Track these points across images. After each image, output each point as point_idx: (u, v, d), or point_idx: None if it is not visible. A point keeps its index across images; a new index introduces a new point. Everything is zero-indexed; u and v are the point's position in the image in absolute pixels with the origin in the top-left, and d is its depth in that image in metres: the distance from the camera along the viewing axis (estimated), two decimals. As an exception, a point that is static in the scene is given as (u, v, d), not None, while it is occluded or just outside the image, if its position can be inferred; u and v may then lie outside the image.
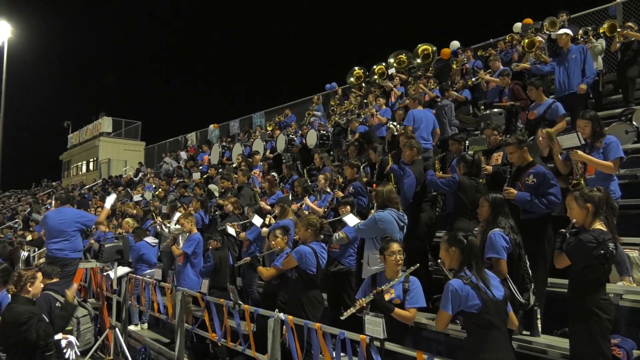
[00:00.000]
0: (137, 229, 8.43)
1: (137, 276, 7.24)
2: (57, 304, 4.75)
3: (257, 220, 6.45)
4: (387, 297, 3.66)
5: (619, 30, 7.75)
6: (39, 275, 4.36)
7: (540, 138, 5.10)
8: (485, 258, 3.63)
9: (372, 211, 5.43)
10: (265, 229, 6.24)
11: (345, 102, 12.78)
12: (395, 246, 3.82)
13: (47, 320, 4.47)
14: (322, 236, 4.97)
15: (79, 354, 4.39)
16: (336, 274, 5.37)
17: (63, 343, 4.26)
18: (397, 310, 3.56)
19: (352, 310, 3.62)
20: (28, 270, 4.40)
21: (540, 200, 4.20)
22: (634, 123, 6.40)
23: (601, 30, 7.93)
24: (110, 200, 7.50)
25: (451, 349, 4.47)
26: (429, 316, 4.74)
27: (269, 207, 7.17)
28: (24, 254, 10.47)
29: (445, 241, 3.31)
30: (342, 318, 3.70)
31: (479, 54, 11.11)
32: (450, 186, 5.22)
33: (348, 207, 5.41)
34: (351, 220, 5.15)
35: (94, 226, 8.97)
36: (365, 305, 3.59)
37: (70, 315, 4.49)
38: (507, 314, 3.14)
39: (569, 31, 7.26)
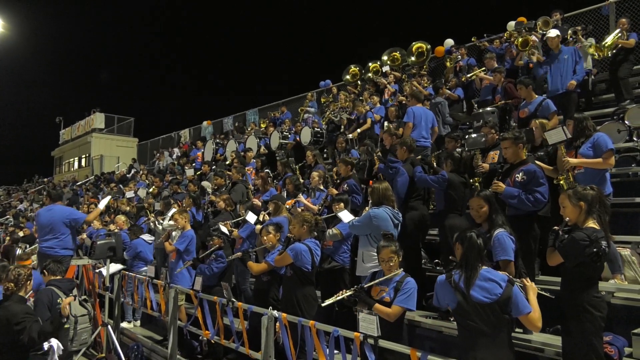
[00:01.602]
0: (133, 227, 8.38)
1: (130, 273, 7.20)
2: (58, 300, 4.74)
3: (251, 217, 6.42)
4: (380, 294, 3.66)
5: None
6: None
7: (534, 128, 5.32)
8: (495, 260, 3.53)
9: (367, 208, 5.42)
10: (258, 226, 6.22)
11: (340, 100, 12.76)
12: (385, 253, 3.70)
13: (49, 313, 4.45)
14: (315, 233, 4.96)
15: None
16: (330, 271, 5.33)
17: (45, 346, 4.21)
18: (377, 305, 3.53)
19: (333, 299, 3.62)
20: (24, 268, 4.37)
21: (526, 197, 4.20)
22: (626, 122, 6.45)
23: (606, 51, 7.83)
24: (104, 201, 7.51)
25: (444, 346, 4.49)
26: (423, 314, 4.76)
27: (260, 204, 7.15)
28: (19, 251, 10.39)
29: (454, 238, 3.30)
30: (322, 305, 3.76)
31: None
32: (440, 183, 5.23)
33: (342, 204, 5.38)
34: (346, 216, 5.14)
35: (83, 225, 8.94)
36: (345, 297, 3.58)
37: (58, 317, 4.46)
38: (500, 318, 2.90)
39: (559, 32, 7.33)
